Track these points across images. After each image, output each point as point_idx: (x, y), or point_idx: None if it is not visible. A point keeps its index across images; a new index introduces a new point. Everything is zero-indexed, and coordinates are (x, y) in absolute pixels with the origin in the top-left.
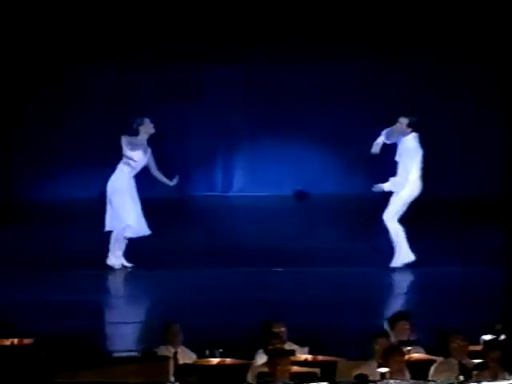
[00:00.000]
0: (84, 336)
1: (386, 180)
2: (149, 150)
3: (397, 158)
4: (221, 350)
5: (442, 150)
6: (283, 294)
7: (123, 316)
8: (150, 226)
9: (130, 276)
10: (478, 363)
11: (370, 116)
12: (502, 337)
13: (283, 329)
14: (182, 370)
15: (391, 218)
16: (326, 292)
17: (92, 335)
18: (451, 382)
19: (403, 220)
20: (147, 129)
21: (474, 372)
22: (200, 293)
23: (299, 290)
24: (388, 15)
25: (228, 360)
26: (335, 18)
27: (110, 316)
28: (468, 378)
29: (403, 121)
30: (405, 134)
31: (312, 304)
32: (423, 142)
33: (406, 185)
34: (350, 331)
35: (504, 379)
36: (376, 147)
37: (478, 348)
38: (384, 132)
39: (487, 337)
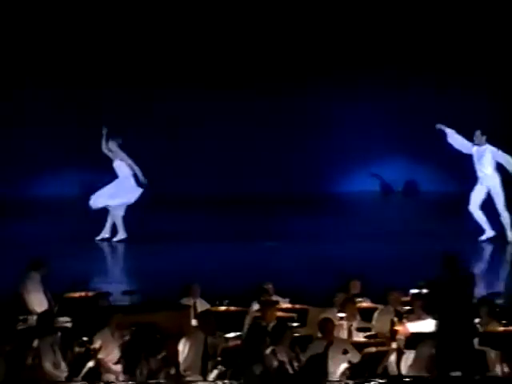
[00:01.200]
0: None
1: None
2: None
3: (476, 161)
4: (227, 301)
5: None
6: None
7: None
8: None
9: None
10: (408, 309)
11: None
12: (424, 290)
13: (270, 286)
14: (204, 314)
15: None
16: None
17: None
18: None
19: None
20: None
21: (405, 315)
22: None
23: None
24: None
25: (232, 307)
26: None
27: None
28: (400, 319)
29: (478, 133)
30: (481, 144)
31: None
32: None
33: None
34: None
35: (425, 320)
36: (439, 126)
37: (408, 299)
38: (452, 132)
39: (414, 290)
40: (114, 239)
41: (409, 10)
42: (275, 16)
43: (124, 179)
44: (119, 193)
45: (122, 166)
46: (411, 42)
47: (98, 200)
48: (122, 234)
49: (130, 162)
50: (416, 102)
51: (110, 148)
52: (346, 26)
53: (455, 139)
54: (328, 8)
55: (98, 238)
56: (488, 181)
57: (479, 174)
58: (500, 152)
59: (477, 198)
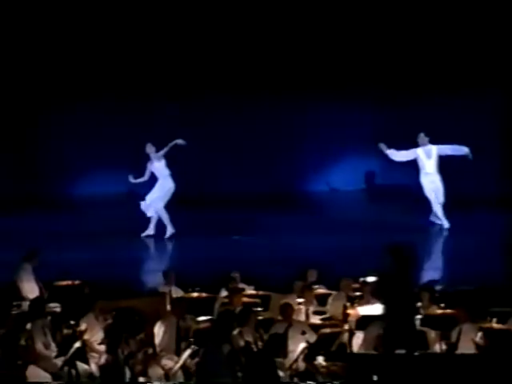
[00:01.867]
0: None
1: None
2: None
3: (425, 160)
4: (198, 288)
5: None
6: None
7: None
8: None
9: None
10: (358, 295)
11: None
12: (372, 278)
13: (237, 275)
14: (176, 300)
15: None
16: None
17: None
18: None
19: None
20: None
21: (355, 300)
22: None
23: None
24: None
25: (203, 294)
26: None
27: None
28: (352, 303)
29: (422, 135)
30: (425, 144)
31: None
32: None
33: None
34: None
35: (374, 304)
36: (380, 146)
37: (358, 285)
38: (391, 152)
39: (362, 278)
40: (143, 234)
41: (402, 22)
42: (266, 27)
43: (163, 180)
44: (162, 193)
45: (161, 169)
46: (397, 54)
47: (149, 207)
48: (151, 231)
49: (164, 151)
50: (393, 107)
51: (148, 152)
52: (338, 32)
53: (396, 155)
54: (319, 19)
55: (166, 236)
56: (431, 178)
57: (426, 171)
58: (445, 145)
59: (432, 193)
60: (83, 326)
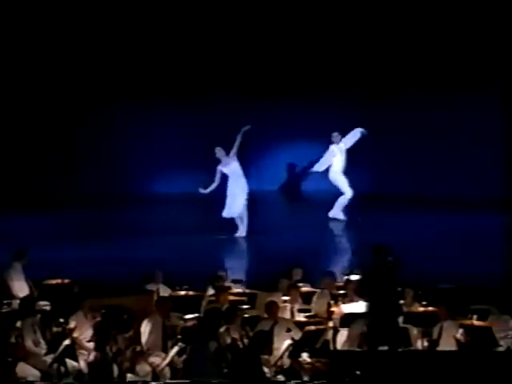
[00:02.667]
0: None
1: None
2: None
3: (340, 157)
4: (186, 286)
5: None
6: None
7: None
8: None
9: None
10: (342, 293)
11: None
12: (356, 277)
13: (224, 273)
14: (161, 300)
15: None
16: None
17: None
18: None
19: None
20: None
21: (339, 298)
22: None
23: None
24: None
25: (190, 292)
26: None
27: None
28: (336, 301)
29: (336, 134)
30: (338, 142)
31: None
32: None
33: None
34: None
35: (357, 302)
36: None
37: (341, 284)
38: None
39: (346, 276)
40: (236, 234)
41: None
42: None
43: (236, 179)
44: (238, 194)
45: (235, 168)
46: (396, 54)
47: (231, 210)
48: (243, 232)
49: (236, 148)
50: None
51: (219, 157)
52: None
53: (320, 166)
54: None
55: (237, 234)
56: (338, 174)
57: (335, 168)
58: (346, 137)
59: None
60: (72, 324)
